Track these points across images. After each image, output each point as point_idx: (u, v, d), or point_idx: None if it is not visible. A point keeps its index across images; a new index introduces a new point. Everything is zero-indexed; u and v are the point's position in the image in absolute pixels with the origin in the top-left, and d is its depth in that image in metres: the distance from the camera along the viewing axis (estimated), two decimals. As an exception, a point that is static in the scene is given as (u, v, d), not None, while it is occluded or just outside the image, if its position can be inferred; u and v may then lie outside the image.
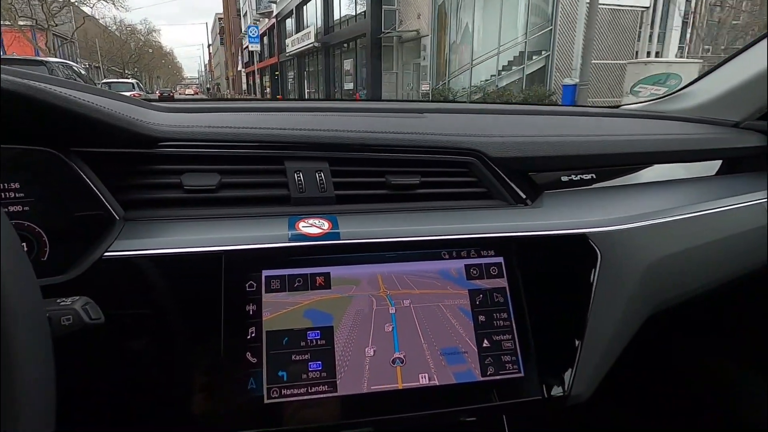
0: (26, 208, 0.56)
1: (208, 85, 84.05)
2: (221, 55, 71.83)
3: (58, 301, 0.48)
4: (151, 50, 64.53)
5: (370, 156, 0.74)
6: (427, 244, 0.66)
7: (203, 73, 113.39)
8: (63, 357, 0.42)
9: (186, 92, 71.55)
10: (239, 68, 40.15)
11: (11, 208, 0.56)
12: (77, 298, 0.49)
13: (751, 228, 0.84)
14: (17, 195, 0.56)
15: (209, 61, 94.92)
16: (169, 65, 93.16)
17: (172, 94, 49.42)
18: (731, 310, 1.03)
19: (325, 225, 0.65)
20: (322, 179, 0.70)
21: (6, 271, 0.34)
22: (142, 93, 16.01)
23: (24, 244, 0.56)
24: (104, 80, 20.68)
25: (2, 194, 0.56)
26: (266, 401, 0.57)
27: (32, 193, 0.57)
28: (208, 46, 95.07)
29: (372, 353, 0.60)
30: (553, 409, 0.67)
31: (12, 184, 0.56)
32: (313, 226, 0.65)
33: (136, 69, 66.76)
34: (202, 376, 0.58)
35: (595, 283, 0.70)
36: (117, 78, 43.28)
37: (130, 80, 18.98)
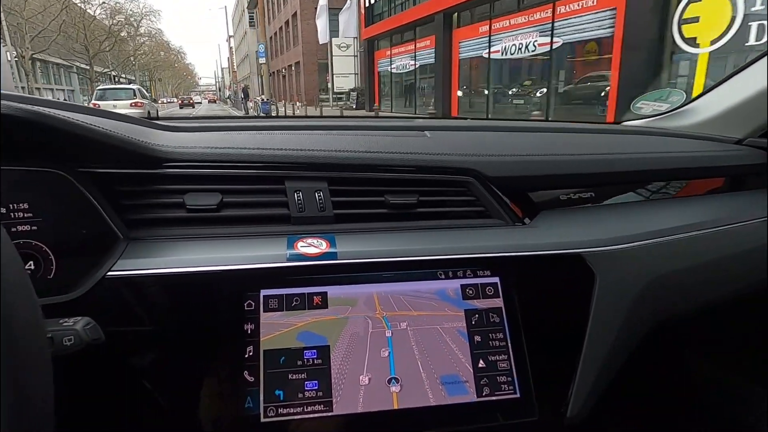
0: (34, 228, 0.59)
1: (242, 84, 56.59)
2: (249, 43, 46.68)
3: (61, 321, 0.50)
4: (140, 36, 40.60)
5: (369, 176, 0.75)
6: (423, 264, 0.67)
7: (221, 77, 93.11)
8: (64, 374, 0.43)
9: (194, 99, 57.77)
10: (326, 39, 20.00)
11: (20, 228, 0.58)
12: (79, 318, 0.51)
13: (753, 246, 0.83)
14: (26, 215, 0.59)
15: (232, 53, 72.92)
16: (176, 63, 70.58)
17: (191, 102, 44.13)
18: (732, 327, 1.02)
19: (323, 245, 0.67)
20: (321, 199, 0.72)
21: (6, 291, 0.35)
22: (145, 101, 13.62)
23: (32, 262, 0.58)
24: (101, 86, 16.40)
25: (12, 214, 0.58)
26: (263, 420, 0.58)
27: (40, 213, 0.59)
28: (229, 38, 75.57)
29: (367, 381, 0.61)
30: (549, 430, 0.67)
31: (21, 204, 0.59)
32: (311, 246, 0.66)
33: (139, 71, 46.49)
34: (200, 394, 0.59)
35: (592, 303, 0.71)
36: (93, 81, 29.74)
37: (131, 86, 15.40)
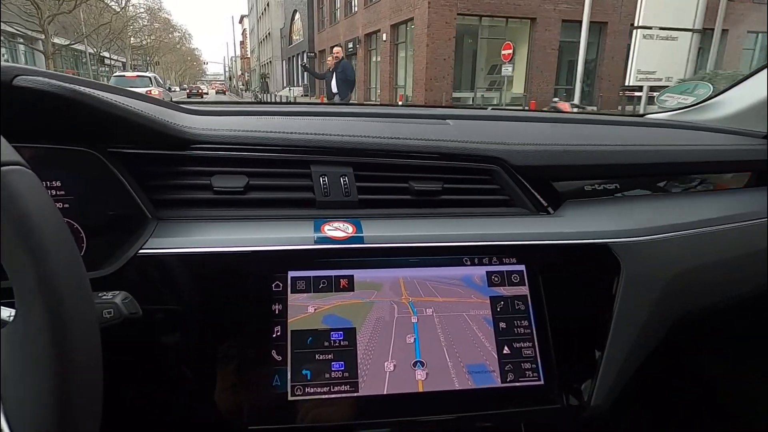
0: (66, 205, 0.59)
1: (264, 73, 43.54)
2: (273, 19, 38.14)
3: (100, 294, 0.51)
4: (133, 8, 32.12)
5: (394, 162, 0.75)
6: (449, 250, 0.67)
7: (230, 65, 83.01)
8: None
9: (202, 89, 52.13)
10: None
11: None
12: (118, 292, 0.51)
13: None
14: (58, 192, 0.59)
15: (245, 36, 67.00)
16: (180, 45, 61.25)
17: (200, 92, 42.18)
18: (757, 321, 1.02)
19: (350, 229, 0.67)
20: (346, 183, 0.72)
21: (64, 264, 0.37)
22: (161, 90, 13.77)
23: None
24: (117, 73, 16.35)
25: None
26: (290, 398, 0.59)
27: (72, 191, 0.60)
28: (241, 19, 70.60)
29: (392, 367, 0.62)
30: (572, 418, 0.67)
31: (53, 182, 0.59)
32: (338, 230, 0.66)
33: (130, 50, 36.60)
34: (229, 372, 0.60)
35: (617, 293, 0.70)
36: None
37: (147, 74, 15.05)
